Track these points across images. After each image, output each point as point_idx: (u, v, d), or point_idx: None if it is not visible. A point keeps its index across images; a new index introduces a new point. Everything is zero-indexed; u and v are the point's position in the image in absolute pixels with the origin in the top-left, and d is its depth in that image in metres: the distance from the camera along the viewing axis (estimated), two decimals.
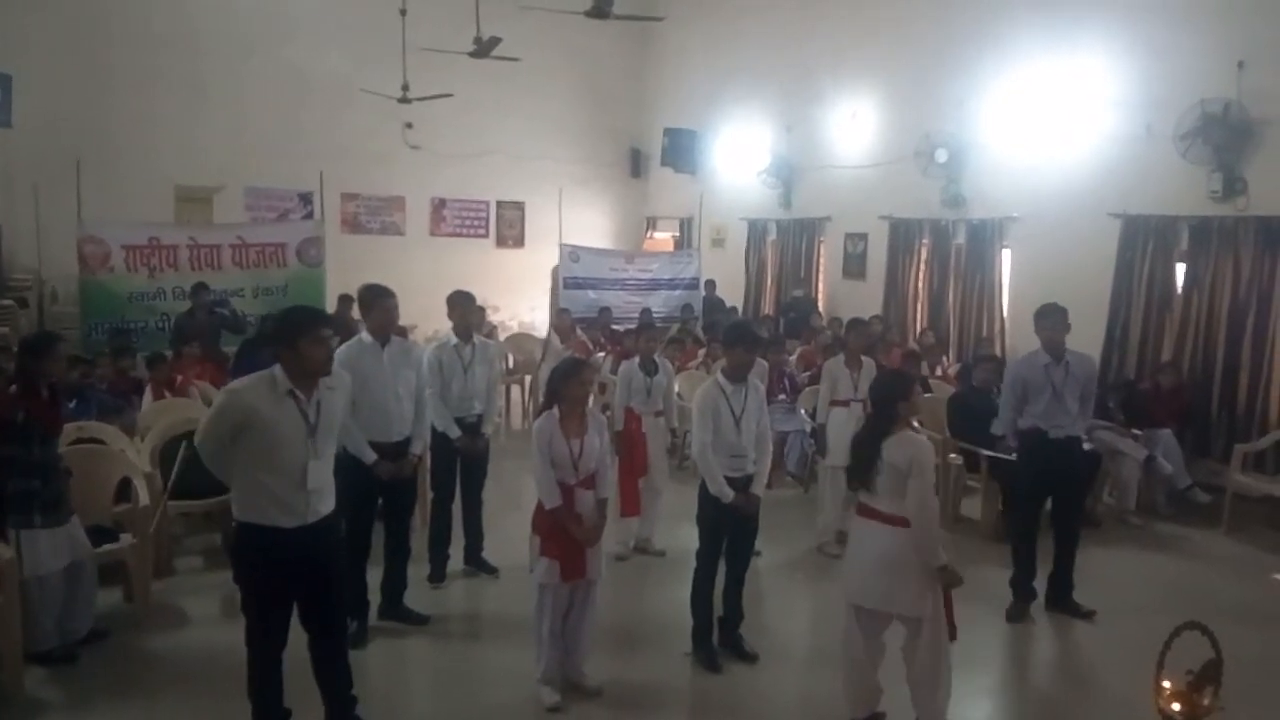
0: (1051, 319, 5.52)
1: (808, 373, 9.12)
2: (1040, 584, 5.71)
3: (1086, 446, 6.14)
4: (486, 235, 16.61)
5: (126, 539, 5.24)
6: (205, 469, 6.02)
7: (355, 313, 6.54)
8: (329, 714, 4.00)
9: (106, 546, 5.09)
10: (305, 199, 13.64)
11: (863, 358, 6.79)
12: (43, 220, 11.34)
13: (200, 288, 9.85)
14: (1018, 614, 5.59)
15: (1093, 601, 5.67)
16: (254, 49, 13.92)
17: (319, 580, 3.80)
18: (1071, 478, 5.71)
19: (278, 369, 3.68)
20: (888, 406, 4.08)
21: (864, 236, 12.21)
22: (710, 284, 13.84)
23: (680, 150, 15.06)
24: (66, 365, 5.14)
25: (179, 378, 7.70)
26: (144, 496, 5.43)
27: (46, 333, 6.24)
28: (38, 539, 4.52)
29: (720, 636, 4.95)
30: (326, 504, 3.80)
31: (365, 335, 5.11)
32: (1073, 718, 4.63)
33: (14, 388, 4.65)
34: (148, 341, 9.18)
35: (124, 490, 5.54)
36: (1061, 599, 5.68)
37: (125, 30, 13.22)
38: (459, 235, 16.28)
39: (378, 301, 5.11)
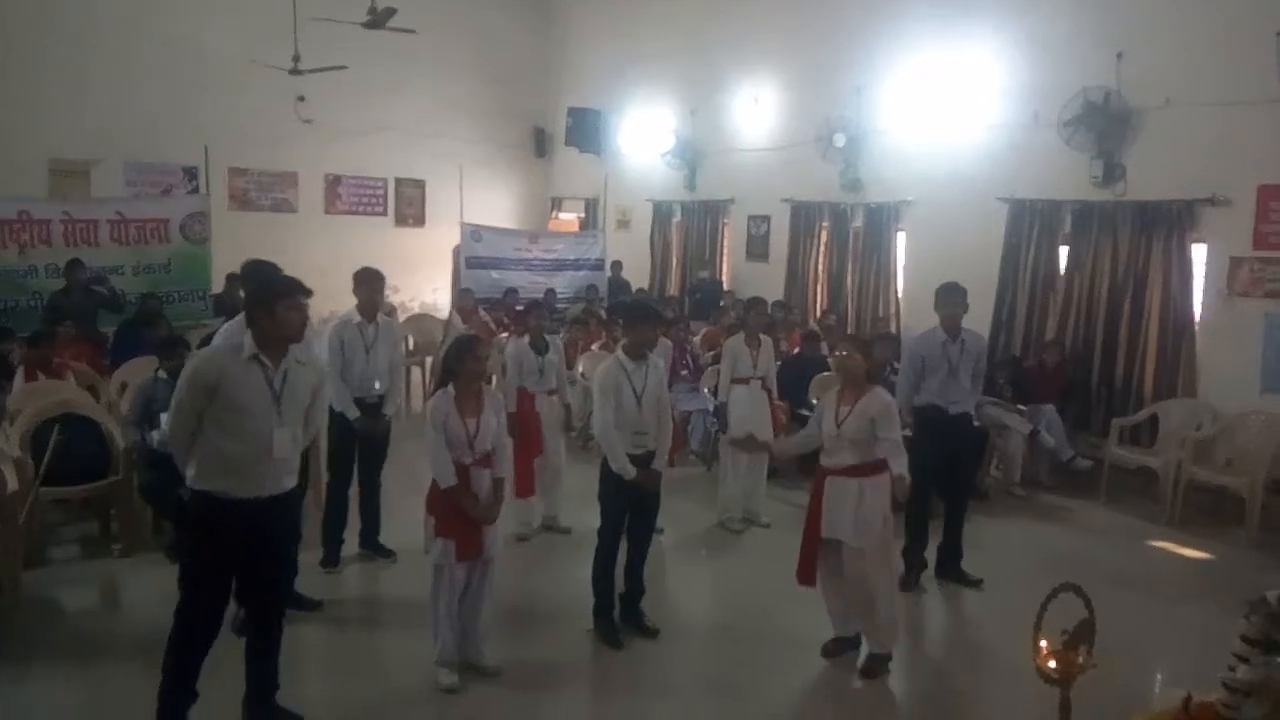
0: (952, 297, 5.68)
1: (712, 352, 9.19)
2: (930, 554, 5.89)
3: (975, 423, 6.34)
4: (385, 214, 16.17)
5: None
6: (83, 452, 5.87)
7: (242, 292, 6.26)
8: (250, 694, 3.91)
9: None
10: (190, 174, 13.06)
11: (761, 336, 6.87)
12: None
13: (75, 264, 9.31)
14: (909, 583, 5.75)
15: (980, 570, 5.88)
16: (139, 17, 13.18)
17: (266, 555, 3.74)
18: (963, 451, 5.90)
19: (245, 336, 3.63)
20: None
21: (766, 219, 12.36)
22: (616, 265, 13.82)
23: (585, 130, 14.95)
24: None
25: (55, 358, 7.28)
26: (12, 482, 5.09)
27: None
28: None
29: (621, 612, 4.96)
30: (285, 482, 3.72)
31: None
32: (961, 680, 4.80)
33: None
34: (19, 321, 8.63)
35: None
36: (951, 568, 5.88)
37: None
38: (356, 213, 15.81)
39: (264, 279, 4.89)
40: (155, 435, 5.66)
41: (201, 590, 3.68)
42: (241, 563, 3.71)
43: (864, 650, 4.72)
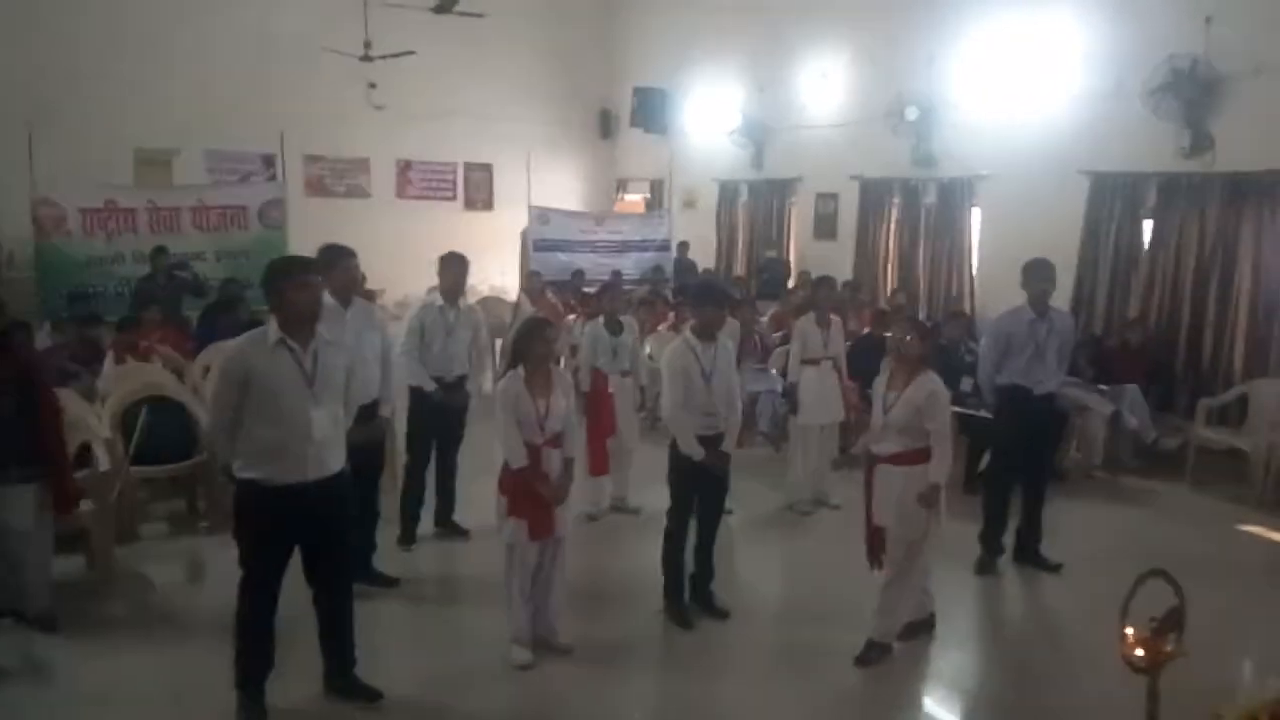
0: (1041, 274, 5.49)
1: (779, 333, 9.11)
2: (1007, 538, 5.76)
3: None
4: (454, 198, 16.39)
5: (87, 505, 5.11)
6: (169, 434, 6.08)
7: None
8: (329, 670, 4.03)
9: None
10: (268, 161, 13.36)
11: (832, 316, 6.78)
12: None
13: (160, 251, 9.63)
14: (987, 567, 5.64)
15: (1060, 554, 5.73)
16: (215, 8, 13.54)
17: (322, 536, 3.81)
18: (1045, 433, 5.74)
19: (270, 323, 3.68)
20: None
21: (835, 197, 12.17)
22: (683, 246, 13.76)
23: (650, 110, 14.88)
24: None
25: (142, 342, 7.54)
26: (104, 462, 5.32)
27: None
28: None
29: (692, 593, 4.96)
30: (330, 464, 3.75)
31: (326, 297, 4.98)
32: (1041, 668, 4.69)
33: None
34: (107, 306, 8.98)
35: (84, 456, 5.40)
36: (1029, 552, 5.74)
37: None
38: (426, 198, 16.06)
39: (339, 261, 4.98)
40: None
41: (255, 572, 3.76)
42: (295, 545, 3.80)
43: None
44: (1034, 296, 5.50)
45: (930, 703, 4.37)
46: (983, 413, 6.07)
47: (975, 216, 10.27)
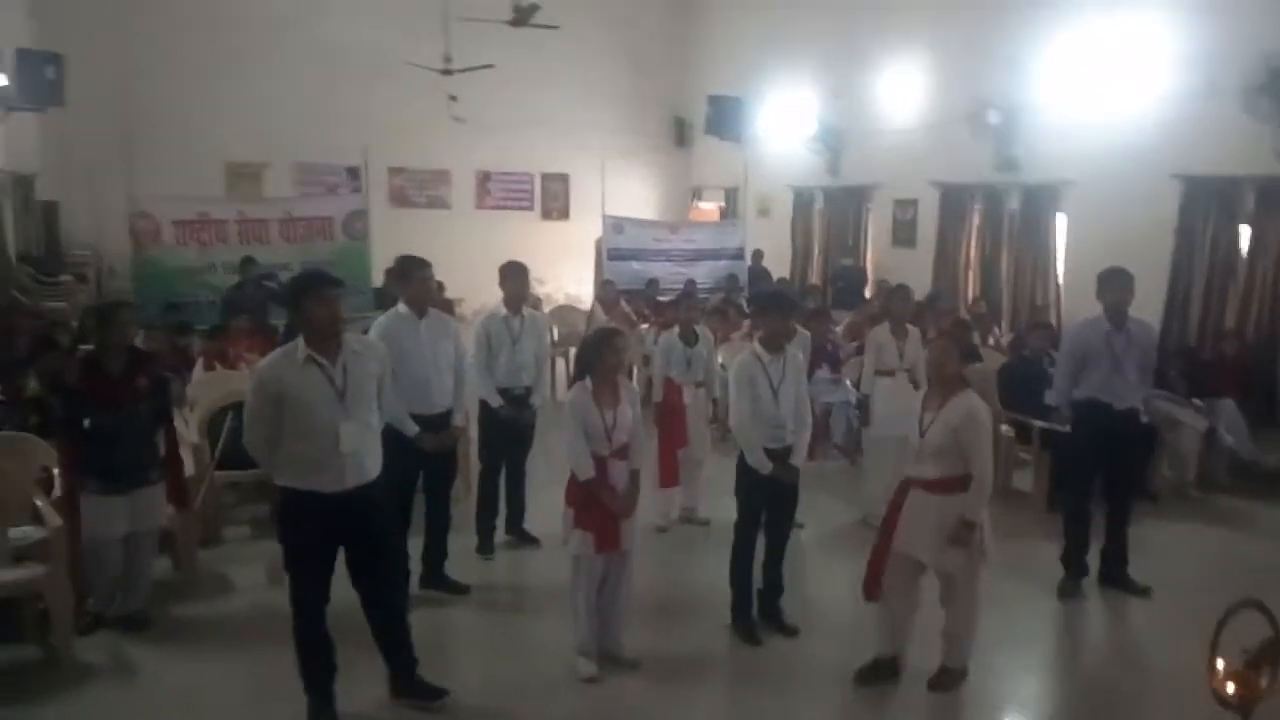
0: (1117, 283, 5.27)
1: (855, 343, 8.96)
2: (1093, 559, 5.54)
3: (1143, 418, 5.91)
4: (532, 208, 16.62)
5: (173, 509, 5.31)
6: None
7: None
8: (391, 673, 4.10)
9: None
10: (353, 173, 13.74)
11: (908, 326, 6.63)
12: (98, 197, 11.63)
13: (249, 261, 9.96)
14: (1069, 590, 5.44)
15: (1148, 578, 5.49)
16: (300, 25, 14.02)
17: (363, 544, 3.87)
18: (1127, 450, 5.50)
19: (299, 339, 3.76)
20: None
21: (914, 203, 11.94)
22: (757, 254, 13.66)
23: (725, 118, 14.84)
24: (132, 333, 5.09)
25: (230, 350, 7.80)
26: (190, 466, 5.51)
27: (112, 301, 6.31)
28: (91, 505, 4.56)
29: (760, 608, 4.90)
30: (368, 470, 3.82)
31: (402, 307, 5.10)
32: (1124, 697, 4.49)
33: (79, 356, 4.71)
34: (199, 315, 9.32)
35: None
36: (1115, 575, 5.51)
37: (174, 9, 13.40)
38: (504, 208, 16.32)
39: (415, 273, 5.09)
40: None
41: (300, 578, 3.84)
42: (336, 551, 3.85)
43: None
44: (1110, 307, 5.28)
45: None
46: (1065, 428, 5.85)
47: (1061, 223, 9.95)
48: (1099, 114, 9.34)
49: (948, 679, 4.33)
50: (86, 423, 4.56)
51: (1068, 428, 5.70)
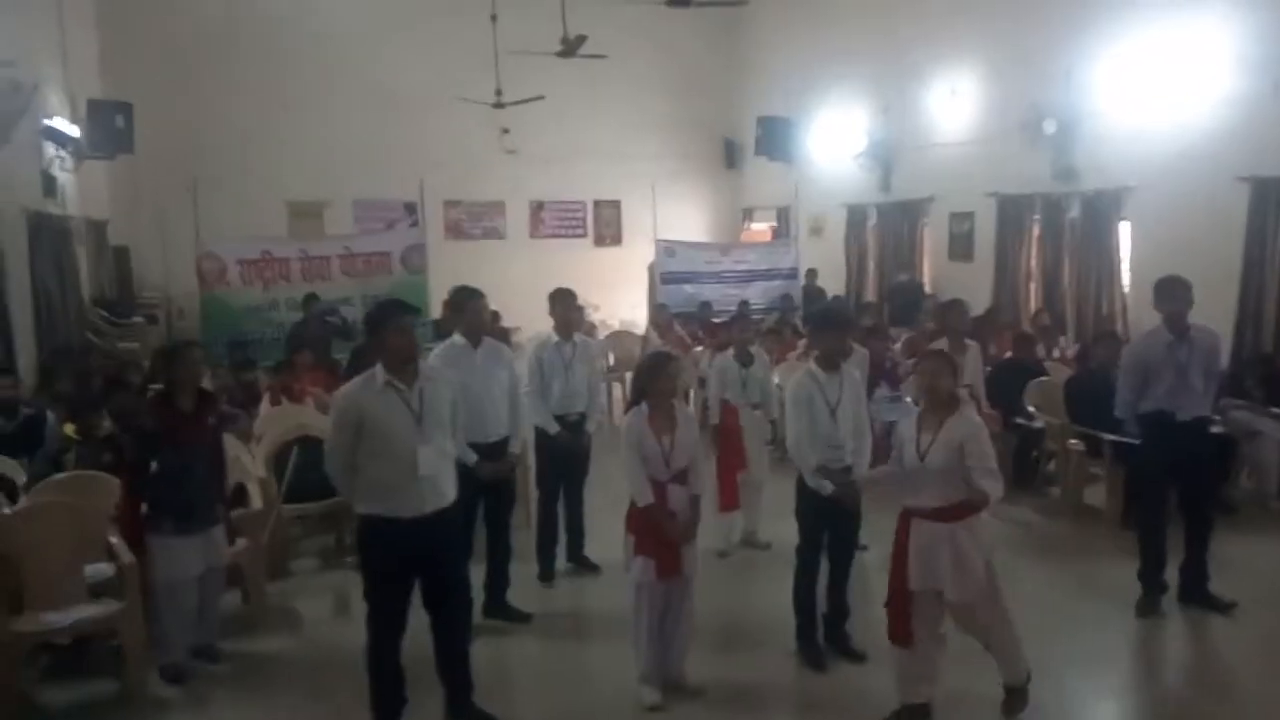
0: (1174, 292, 5.12)
1: (913, 360, 8.80)
2: (1172, 576, 5.34)
3: (1216, 429, 5.69)
4: (585, 235, 16.76)
5: (242, 543, 5.41)
6: (319, 471, 6.33)
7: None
8: (448, 699, 4.13)
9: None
10: (410, 208, 13.99)
11: (967, 341, 6.50)
12: (167, 240, 12.02)
13: (311, 298, 10.20)
14: (1148, 608, 5.24)
15: (1231, 593, 5.27)
16: (354, 67, 14.42)
17: (437, 568, 3.95)
18: (1200, 461, 5.30)
19: (378, 366, 3.86)
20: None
21: (970, 215, 11.75)
22: (811, 273, 13.58)
23: (774, 138, 14.83)
24: (200, 372, 5.23)
25: (295, 385, 7.95)
26: (257, 501, 5.62)
27: (179, 341, 6.52)
28: (168, 545, 4.60)
29: (826, 633, 4.81)
30: (444, 496, 3.91)
31: (458, 337, 5.16)
32: (1210, 716, 4.30)
33: (151, 397, 4.81)
34: (264, 352, 9.57)
35: (239, 496, 5.72)
36: (1196, 591, 5.30)
37: (235, 57, 13.86)
38: (558, 236, 16.48)
39: (468, 303, 5.16)
40: None
41: (380, 603, 3.91)
42: (415, 576, 3.93)
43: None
44: (1169, 317, 5.12)
45: None
46: (1135, 439, 5.66)
47: (1124, 230, 9.70)
48: (1160, 119, 9.11)
49: (1017, 700, 4.16)
50: (154, 464, 4.60)
51: (1137, 440, 5.52)
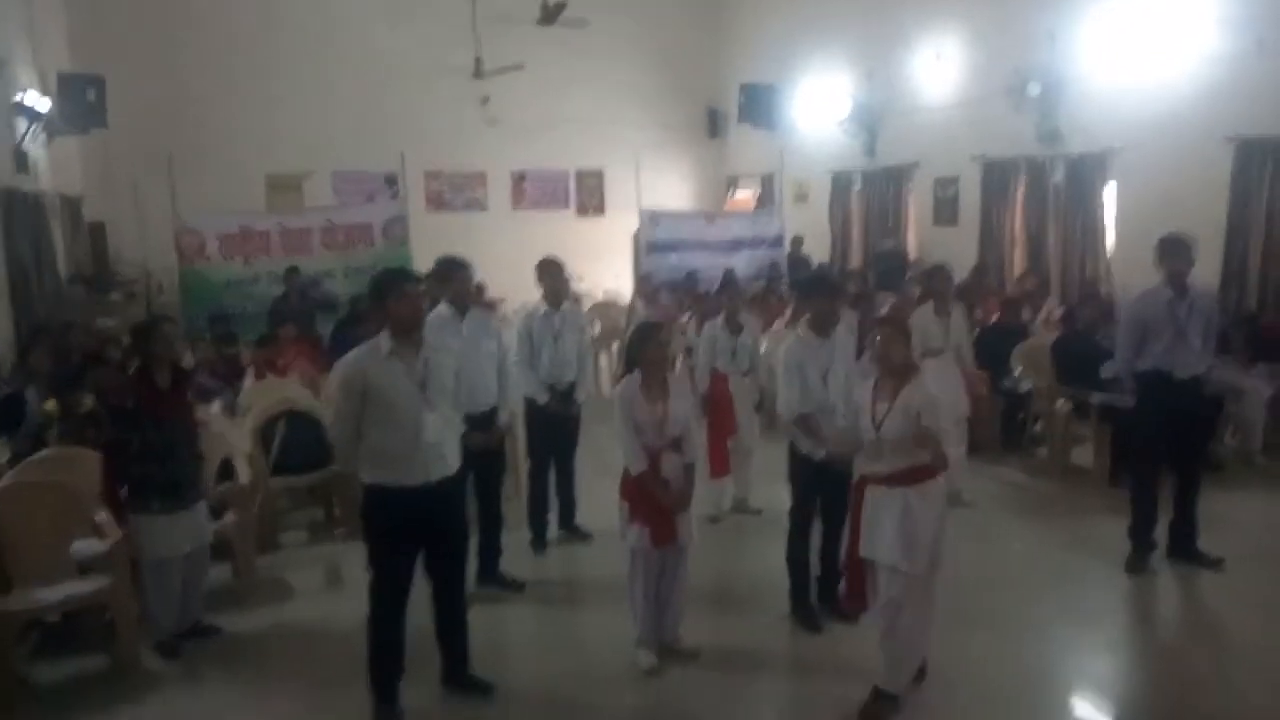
0: (1176, 250, 5.11)
1: None
2: (1160, 533, 5.39)
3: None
4: (567, 205, 16.61)
5: (230, 517, 5.38)
6: (306, 445, 6.34)
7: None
8: (445, 666, 4.15)
9: (213, 525, 5.21)
10: (390, 180, 13.79)
11: (951, 305, 6.50)
12: (143, 215, 11.81)
13: (292, 271, 10.08)
14: (1138, 565, 5.30)
15: (1219, 549, 5.34)
16: (331, 36, 14.15)
17: (441, 536, 3.96)
18: (1194, 419, 5.33)
19: (382, 335, 3.85)
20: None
21: (955, 180, 11.73)
22: (796, 241, 13.54)
23: (758, 106, 14.69)
24: (178, 347, 5.15)
25: (279, 359, 7.88)
26: (245, 475, 5.58)
27: (154, 316, 6.43)
28: (156, 524, 4.54)
29: (819, 594, 4.83)
30: (447, 464, 3.91)
31: (443, 307, 5.11)
32: (1201, 672, 4.36)
33: (130, 374, 4.73)
34: (246, 326, 9.43)
35: (226, 470, 5.68)
36: (1185, 547, 5.36)
37: (209, 27, 13.61)
38: (540, 207, 16.32)
39: (453, 273, 5.11)
40: None
41: (385, 572, 3.91)
42: (420, 544, 3.94)
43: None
44: (1170, 275, 5.12)
45: (1080, 710, 4.12)
46: (1126, 401, 5.69)
47: (1110, 192, 9.71)
48: (1144, 80, 9.09)
49: (879, 709, 3.90)
50: (136, 442, 4.52)
51: (1129, 401, 5.54)
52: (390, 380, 3.79)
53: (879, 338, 3.98)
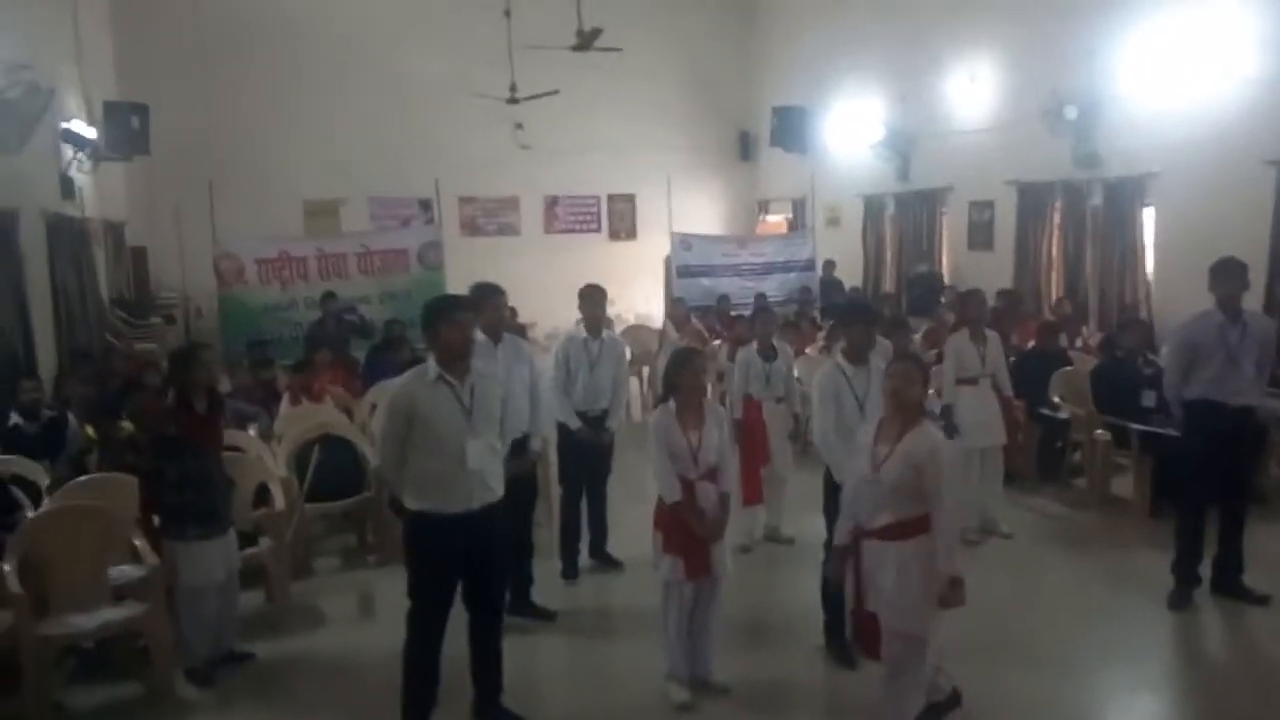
0: (1229, 274, 4.98)
1: (934, 351, 8.73)
2: (1204, 569, 5.25)
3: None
4: (599, 229, 16.71)
5: (265, 543, 5.41)
6: (341, 471, 6.38)
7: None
8: (477, 698, 4.12)
9: (247, 551, 5.24)
10: (425, 205, 13.96)
11: (987, 331, 6.42)
12: (184, 241, 12.05)
13: (329, 296, 10.18)
14: (1181, 601, 5.16)
15: (1264, 585, 5.19)
16: (368, 63, 14.40)
17: (483, 564, 3.95)
18: (1242, 450, 5.20)
19: (429, 360, 3.88)
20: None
21: (990, 204, 11.64)
22: (828, 264, 13.49)
23: (790, 129, 14.71)
24: (215, 373, 5.21)
25: (315, 384, 7.94)
26: (280, 501, 5.60)
27: (192, 342, 6.51)
28: (191, 551, 4.57)
29: (854, 631, 4.75)
30: (492, 491, 3.91)
31: (478, 334, 5.11)
32: (1245, 709, 4.23)
33: (169, 401, 4.75)
34: (283, 351, 9.55)
35: (262, 495, 5.72)
36: (1230, 582, 5.21)
37: (249, 57, 13.90)
38: (572, 231, 16.44)
39: (488, 300, 5.11)
40: None
41: (425, 600, 3.90)
42: (461, 572, 3.93)
43: None
44: (1223, 299, 5.00)
45: None
46: (1169, 430, 5.57)
47: (1148, 217, 9.57)
48: (1183, 103, 8.98)
49: None
50: (175, 470, 4.56)
51: (1172, 430, 5.42)
52: (436, 406, 3.80)
53: (892, 373, 3.78)
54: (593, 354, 5.76)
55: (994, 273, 10.90)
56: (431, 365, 3.86)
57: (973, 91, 11.71)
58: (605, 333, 5.89)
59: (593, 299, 5.86)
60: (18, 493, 5.26)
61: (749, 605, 5.34)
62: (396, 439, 3.83)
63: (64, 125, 9.82)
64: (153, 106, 11.52)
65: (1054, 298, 10.43)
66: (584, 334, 5.81)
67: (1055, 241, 10.65)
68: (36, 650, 4.23)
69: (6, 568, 4.33)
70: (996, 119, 11.38)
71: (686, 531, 4.18)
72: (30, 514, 4.89)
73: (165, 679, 4.52)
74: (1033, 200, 10.86)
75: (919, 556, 3.61)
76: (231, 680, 4.68)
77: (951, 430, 6.43)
